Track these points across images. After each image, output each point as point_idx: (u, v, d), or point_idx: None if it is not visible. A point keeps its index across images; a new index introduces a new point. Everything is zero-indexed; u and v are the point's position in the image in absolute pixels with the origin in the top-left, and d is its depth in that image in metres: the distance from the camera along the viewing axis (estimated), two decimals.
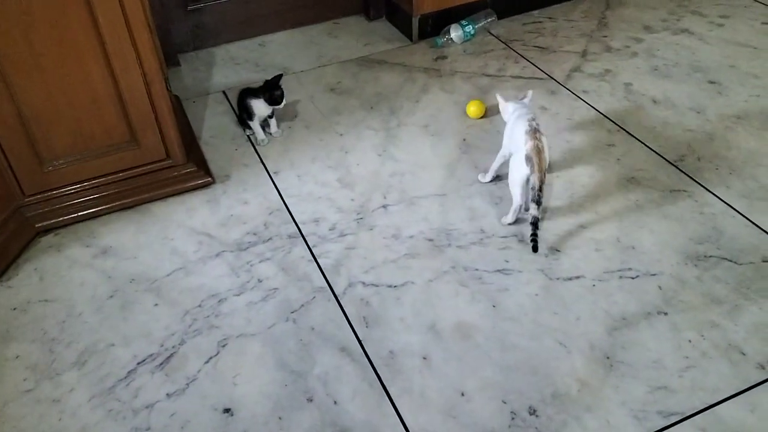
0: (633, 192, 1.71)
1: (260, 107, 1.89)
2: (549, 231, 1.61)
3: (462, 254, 1.56)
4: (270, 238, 1.61)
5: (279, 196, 1.74)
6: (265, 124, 1.96)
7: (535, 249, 1.51)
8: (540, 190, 1.49)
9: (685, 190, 1.71)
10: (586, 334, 1.37)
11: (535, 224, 1.50)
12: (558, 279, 1.49)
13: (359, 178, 1.81)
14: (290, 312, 1.43)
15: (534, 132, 1.52)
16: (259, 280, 1.50)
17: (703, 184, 1.72)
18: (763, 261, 1.51)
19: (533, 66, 2.24)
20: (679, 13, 2.50)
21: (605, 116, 1.99)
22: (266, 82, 1.90)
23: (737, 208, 1.65)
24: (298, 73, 2.26)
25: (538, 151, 1.50)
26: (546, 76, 2.20)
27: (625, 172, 1.78)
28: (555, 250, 1.57)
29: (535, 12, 2.56)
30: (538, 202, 1.49)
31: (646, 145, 1.87)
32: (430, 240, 1.61)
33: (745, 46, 2.28)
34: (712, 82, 2.11)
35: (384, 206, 1.71)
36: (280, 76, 1.90)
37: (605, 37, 2.38)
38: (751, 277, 1.47)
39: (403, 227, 1.65)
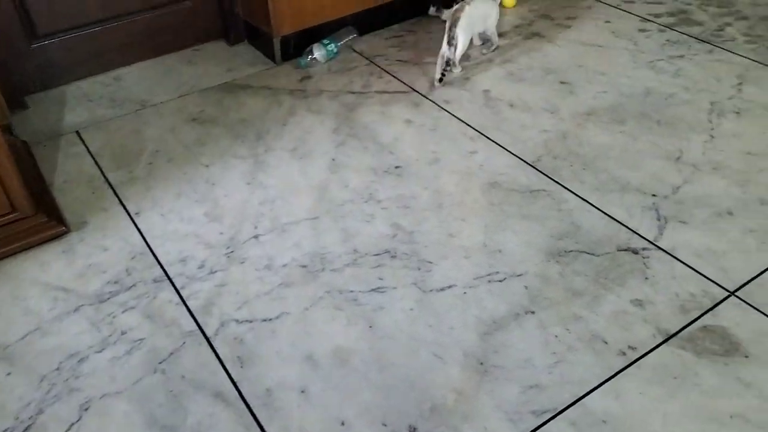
0: (496, 196, 1.77)
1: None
2: (420, 243, 1.64)
3: (336, 277, 1.56)
4: (133, 285, 1.53)
5: (142, 239, 1.66)
6: None
7: (440, 80, 2.20)
8: (450, 38, 2.17)
9: (543, 190, 1.79)
10: (459, 342, 1.40)
11: (447, 62, 2.20)
12: (431, 291, 1.52)
13: (228, 209, 1.76)
14: (158, 362, 1.36)
15: (460, 8, 2.18)
16: (123, 332, 1.42)
17: (560, 182, 1.81)
18: (618, 250, 1.60)
19: (397, 80, 2.28)
20: (530, 18, 2.63)
21: (467, 124, 2.06)
22: None
23: (591, 202, 1.74)
24: (157, 105, 2.17)
25: (454, 16, 2.17)
26: (409, 89, 2.24)
27: (488, 177, 1.84)
28: (427, 261, 1.59)
29: (395, 26, 2.62)
30: (449, 44, 2.18)
31: (506, 149, 1.94)
32: (304, 266, 1.59)
33: (591, 45, 2.43)
34: (563, 83, 2.23)
35: (255, 236, 1.68)
36: None
37: None
38: (608, 267, 1.56)
39: (276, 256, 1.62)
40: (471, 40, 2.30)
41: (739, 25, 2.47)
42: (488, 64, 2.35)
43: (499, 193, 1.79)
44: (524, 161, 1.89)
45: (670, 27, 2.49)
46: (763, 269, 1.52)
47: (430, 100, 2.18)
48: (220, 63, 2.40)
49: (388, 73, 2.33)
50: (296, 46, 2.39)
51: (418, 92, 2.22)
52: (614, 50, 2.38)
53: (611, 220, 1.69)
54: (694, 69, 2.24)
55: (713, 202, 1.71)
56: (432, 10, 2.59)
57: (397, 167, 1.90)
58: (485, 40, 2.46)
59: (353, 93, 2.22)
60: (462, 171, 1.87)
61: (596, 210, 1.72)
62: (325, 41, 2.38)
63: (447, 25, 2.19)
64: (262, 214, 1.74)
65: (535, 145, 1.96)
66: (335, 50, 2.39)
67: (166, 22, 2.39)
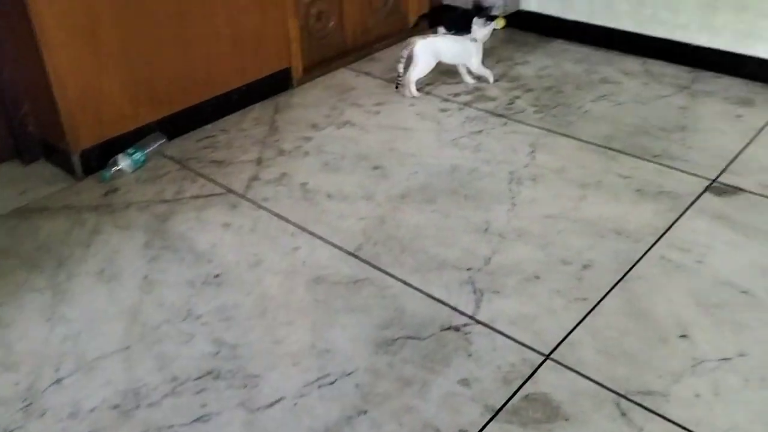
0: (321, 292, 1.75)
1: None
2: (245, 357, 1.56)
3: (154, 413, 1.42)
4: None
5: None
6: None
7: (397, 87, 2.74)
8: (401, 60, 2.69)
9: (367, 278, 1.80)
10: None
11: (398, 76, 2.72)
12: (259, 409, 1.43)
13: (24, 354, 1.57)
14: None
15: (415, 42, 2.66)
16: None
17: (381, 268, 1.83)
18: (441, 330, 1.63)
19: (212, 182, 2.23)
20: (341, 107, 2.72)
21: (287, 220, 2.04)
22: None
23: (413, 284, 1.78)
24: None
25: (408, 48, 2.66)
26: (226, 190, 2.19)
27: (312, 273, 1.82)
28: (253, 376, 1.51)
29: (208, 126, 2.58)
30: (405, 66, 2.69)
31: (327, 242, 1.94)
32: (116, 406, 1.44)
33: (399, 129, 2.55)
34: (376, 168, 2.30)
35: (57, 381, 1.50)
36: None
37: (277, 141, 2.48)
38: (434, 349, 1.58)
39: (83, 400, 1.45)
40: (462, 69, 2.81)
41: (527, 97, 2.73)
42: (305, 157, 2.38)
43: (324, 288, 1.77)
44: (346, 251, 1.90)
45: (468, 105, 2.69)
46: (571, 328, 1.62)
47: (248, 199, 2.14)
48: (12, 185, 2.21)
49: (201, 176, 2.27)
50: (99, 159, 2.26)
51: (235, 193, 2.17)
52: (421, 132, 2.52)
53: (433, 300, 1.72)
54: (492, 142, 2.42)
55: (521, 268, 1.81)
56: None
57: (216, 276, 1.82)
58: (478, 77, 2.81)
59: (165, 201, 2.13)
60: (285, 270, 1.84)
61: (418, 292, 1.75)
62: (131, 150, 2.28)
63: (404, 51, 2.66)
64: (65, 353, 1.57)
65: (355, 233, 1.98)
66: (143, 158, 2.29)
67: None
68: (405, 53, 2.66)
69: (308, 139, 2.49)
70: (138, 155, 2.28)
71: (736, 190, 2.08)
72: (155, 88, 2.37)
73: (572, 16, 3.15)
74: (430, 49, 2.68)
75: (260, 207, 2.10)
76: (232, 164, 2.33)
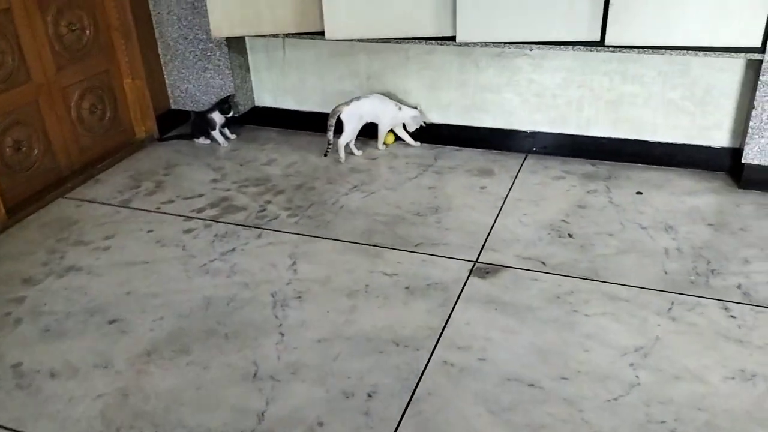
0: None
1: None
2: None
3: None
4: None
5: None
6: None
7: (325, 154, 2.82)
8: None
9: None
10: None
11: (328, 144, 2.79)
12: None
13: None
14: None
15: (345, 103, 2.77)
16: None
17: None
18: None
19: None
20: (61, 249, 2.26)
21: None
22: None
23: None
24: None
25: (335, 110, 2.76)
26: None
27: None
28: None
29: None
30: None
31: None
32: None
33: (137, 264, 2.17)
34: (113, 322, 1.90)
35: None
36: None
37: None
38: None
39: None
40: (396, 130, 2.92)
41: (278, 201, 2.53)
42: (16, 326, 1.88)
43: None
44: None
45: (215, 220, 2.42)
46: None
47: None
48: None
49: None
50: None
51: None
52: (163, 263, 2.17)
53: None
54: (248, 260, 2.16)
55: (302, 417, 1.56)
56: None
57: None
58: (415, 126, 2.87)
59: None
60: None
61: None
62: None
63: (331, 120, 2.76)
64: None
65: (92, 421, 1.56)
66: None
67: None
68: (332, 121, 2.77)
69: (19, 300, 2.00)
70: None
71: (498, 267, 2.07)
72: None
73: (308, 107, 3.09)
74: (356, 114, 2.77)
75: None
76: None
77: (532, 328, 1.80)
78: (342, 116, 2.76)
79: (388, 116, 2.83)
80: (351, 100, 2.79)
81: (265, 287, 2.03)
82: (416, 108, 2.84)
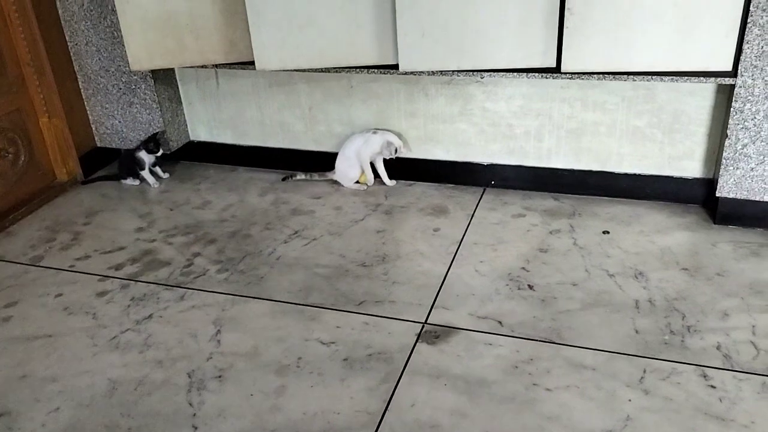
0: None
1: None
2: None
3: None
4: None
5: None
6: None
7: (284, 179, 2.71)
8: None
9: None
10: None
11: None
12: None
13: None
14: None
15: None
16: None
17: None
18: None
19: None
20: None
21: None
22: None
23: None
24: None
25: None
26: None
27: None
28: None
29: None
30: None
31: None
32: None
33: (38, 338, 1.88)
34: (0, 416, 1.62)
35: None
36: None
37: None
38: None
39: None
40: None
41: (208, 252, 2.27)
42: None
43: None
44: None
45: (134, 278, 2.14)
46: None
47: None
48: None
49: None
50: None
51: None
52: (68, 337, 1.89)
53: None
54: (165, 330, 1.89)
55: None
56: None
57: None
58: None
59: None
60: None
61: None
62: None
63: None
64: None
65: None
66: None
67: None
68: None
69: None
70: None
71: (449, 330, 1.83)
72: None
73: (247, 141, 2.83)
74: (351, 158, 2.60)
75: None
76: None
77: (486, 410, 1.56)
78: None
79: (358, 150, 2.58)
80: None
81: (181, 365, 1.76)
82: (391, 132, 2.57)
